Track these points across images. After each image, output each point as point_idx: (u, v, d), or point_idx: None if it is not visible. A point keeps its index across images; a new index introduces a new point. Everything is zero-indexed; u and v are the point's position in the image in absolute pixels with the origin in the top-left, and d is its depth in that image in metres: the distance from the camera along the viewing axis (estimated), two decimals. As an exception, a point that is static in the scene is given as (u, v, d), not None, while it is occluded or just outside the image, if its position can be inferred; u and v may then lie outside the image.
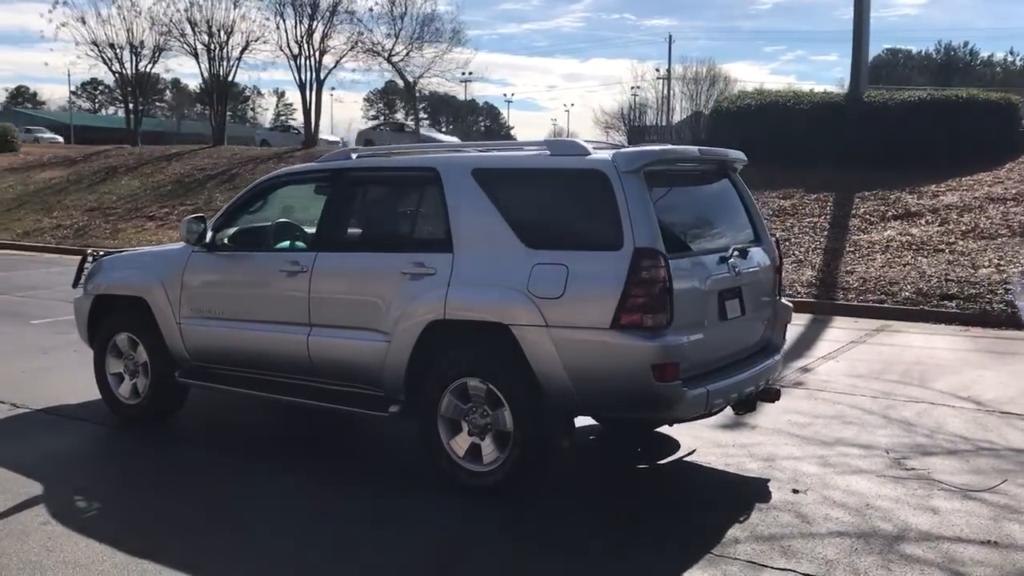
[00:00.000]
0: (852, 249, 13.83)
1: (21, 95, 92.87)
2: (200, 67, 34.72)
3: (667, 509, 5.08)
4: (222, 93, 35.38)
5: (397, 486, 5.35)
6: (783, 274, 6.00)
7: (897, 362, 8.90)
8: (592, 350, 4.69)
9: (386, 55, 34.50)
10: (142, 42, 36.32)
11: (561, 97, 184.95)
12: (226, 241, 6.22)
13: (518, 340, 4.83)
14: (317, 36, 33.46)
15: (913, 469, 5.62)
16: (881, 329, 10.78)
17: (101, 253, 7.19)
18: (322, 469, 5.71)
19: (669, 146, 5.63)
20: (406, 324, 5.19)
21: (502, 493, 5.00)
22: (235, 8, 33.87)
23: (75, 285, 7.05)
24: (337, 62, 34.72)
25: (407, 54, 35.07)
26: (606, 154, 4.92)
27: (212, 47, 34.07)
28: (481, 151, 5.73)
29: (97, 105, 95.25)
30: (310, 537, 4.60)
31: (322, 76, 33.97)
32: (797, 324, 11.16)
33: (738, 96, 21.97)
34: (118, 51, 36.53)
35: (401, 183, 5.79)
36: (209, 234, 6.18)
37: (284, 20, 33.26)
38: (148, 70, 38.42)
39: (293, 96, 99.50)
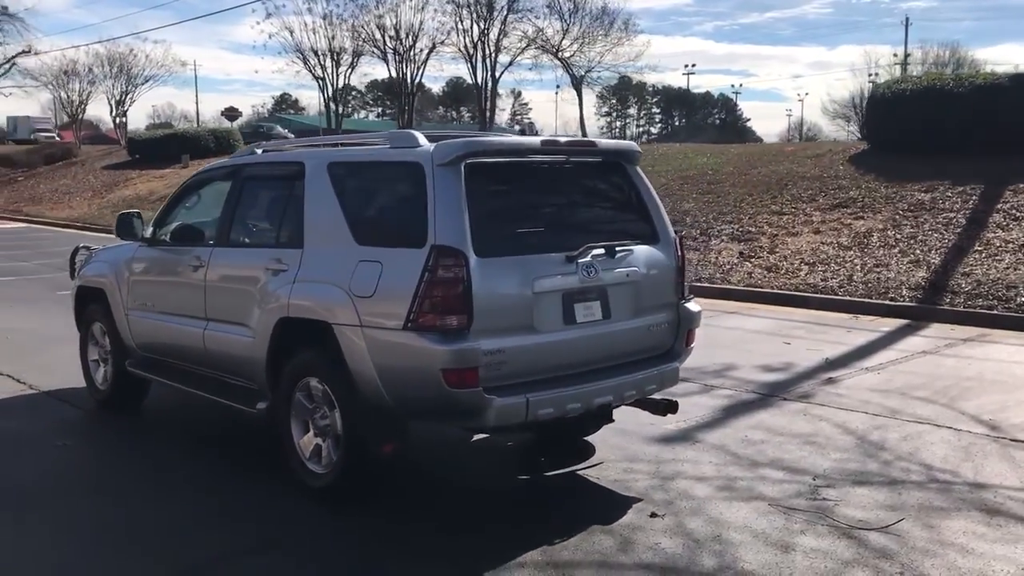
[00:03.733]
0: (981, 248, 12.29)
1: (284, 102, 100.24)
2: (389, 70, 36.39)
3: (495, 521, 4.75)
4: (408, 95, 36.84)
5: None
6: (686, 275, 5.39)
7: (947, 377, 7.82)
8: (393, 351, 4.47)
9: (554, 51, 34.57)
10: (343, 48, 38.58)
11: (806, 86, 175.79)
12: (167, 237, 6.45)
13: (338, 339, 4.68)
14: (492, 35, 34.12)
15: (822, 499, 4.93)
16: (972, 338, 9.51)
17: (94, 247, 7.68)
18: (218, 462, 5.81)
19: (501, 137, 5.23)
20: (263, 321, 5.18)
21: (338, 495, 4.88)
22: (421, 12, 35.18)
23: (72, 277, 7.58)
24: (512, 61, 35.25)
25: (578, 49, 34.99)
26: (429, 146, 4.66)
27: (399, 50, 35.57)
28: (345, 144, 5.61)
29: (350, 109, 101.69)
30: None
31: (497, 74, 34.64)
32: (880, 330, 10.11)
33: (896, 80, 20.03)
34: (321, 58, 39.01)
35: (279, 178, 5.74)
36: (149, 229, 6.46)
37: (461, 21, 34.17)
38: (347, 75, 40.77)
39: (528, 95, 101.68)
